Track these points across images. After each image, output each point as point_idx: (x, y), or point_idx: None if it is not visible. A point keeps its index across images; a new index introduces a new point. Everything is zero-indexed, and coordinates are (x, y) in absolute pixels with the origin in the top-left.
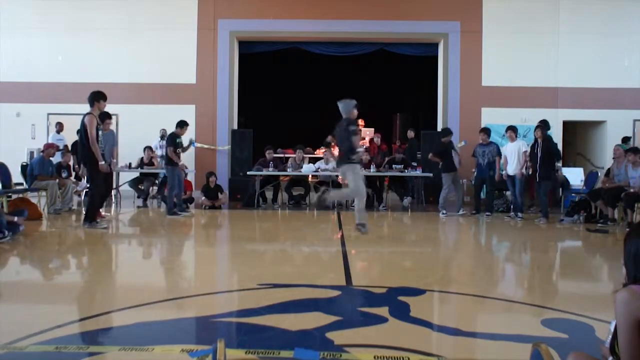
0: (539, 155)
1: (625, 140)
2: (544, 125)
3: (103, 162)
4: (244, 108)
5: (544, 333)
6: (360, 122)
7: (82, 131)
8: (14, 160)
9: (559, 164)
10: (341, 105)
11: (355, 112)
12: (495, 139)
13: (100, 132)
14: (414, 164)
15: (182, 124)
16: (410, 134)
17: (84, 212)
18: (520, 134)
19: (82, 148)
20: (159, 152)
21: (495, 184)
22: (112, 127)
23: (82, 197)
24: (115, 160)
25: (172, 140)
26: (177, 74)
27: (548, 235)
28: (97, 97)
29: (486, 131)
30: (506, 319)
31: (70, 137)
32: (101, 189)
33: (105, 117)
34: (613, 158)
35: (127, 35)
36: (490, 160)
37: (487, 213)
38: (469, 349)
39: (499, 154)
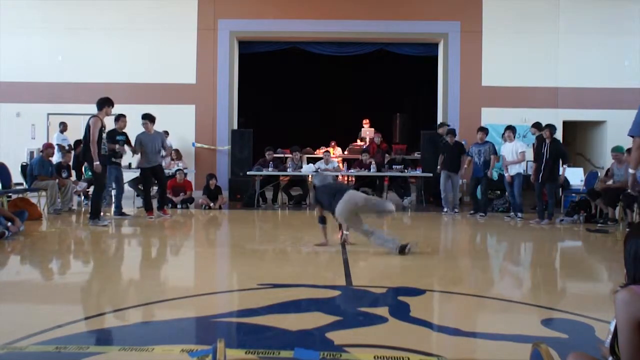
0: (546, 156)
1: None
2: (538, 126)
3: (97, 163)
4: (244, 108)
5: (544, 333)
6: (366, 121)
7: (86, 132)
8: (14, 160)
9: (565, 166)
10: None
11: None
12: (494, 139)
13: (104, 135)
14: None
15: (117, 117)
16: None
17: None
18: (520, 134)
19: (85, 148)
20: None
21: (490, 184)
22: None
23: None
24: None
25: (112, 137)
26: (177, 74)
27: (548, 236)
28: (105, 103)
29: (484, 130)
30: (506, 319)
31: (73, 137)
32: (104, 188)
33: (148, 118)
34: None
35: (127, 35)
36: (486, 159)
37: (481, 214)
38: (469, 349)
39: (495, 152)
